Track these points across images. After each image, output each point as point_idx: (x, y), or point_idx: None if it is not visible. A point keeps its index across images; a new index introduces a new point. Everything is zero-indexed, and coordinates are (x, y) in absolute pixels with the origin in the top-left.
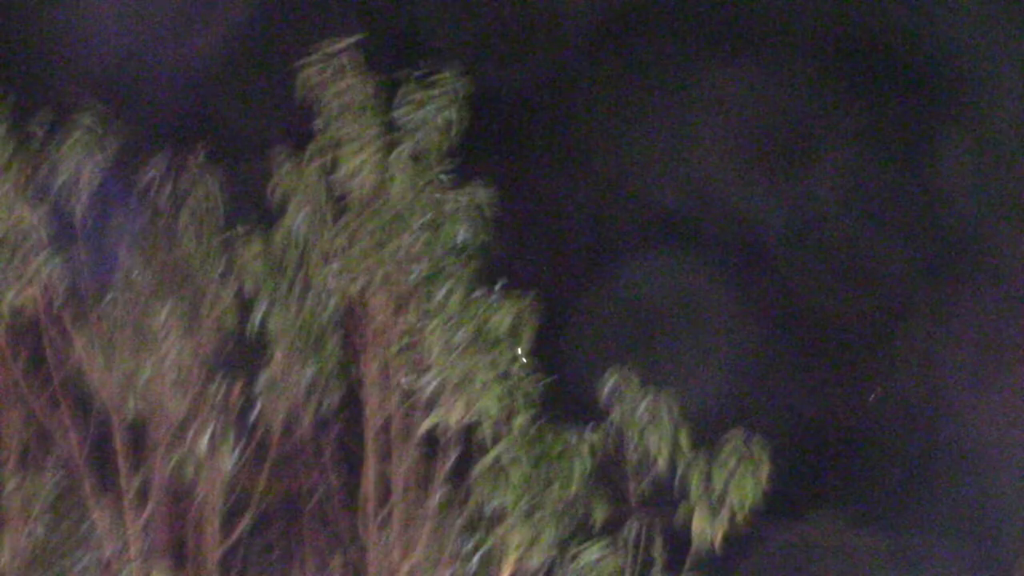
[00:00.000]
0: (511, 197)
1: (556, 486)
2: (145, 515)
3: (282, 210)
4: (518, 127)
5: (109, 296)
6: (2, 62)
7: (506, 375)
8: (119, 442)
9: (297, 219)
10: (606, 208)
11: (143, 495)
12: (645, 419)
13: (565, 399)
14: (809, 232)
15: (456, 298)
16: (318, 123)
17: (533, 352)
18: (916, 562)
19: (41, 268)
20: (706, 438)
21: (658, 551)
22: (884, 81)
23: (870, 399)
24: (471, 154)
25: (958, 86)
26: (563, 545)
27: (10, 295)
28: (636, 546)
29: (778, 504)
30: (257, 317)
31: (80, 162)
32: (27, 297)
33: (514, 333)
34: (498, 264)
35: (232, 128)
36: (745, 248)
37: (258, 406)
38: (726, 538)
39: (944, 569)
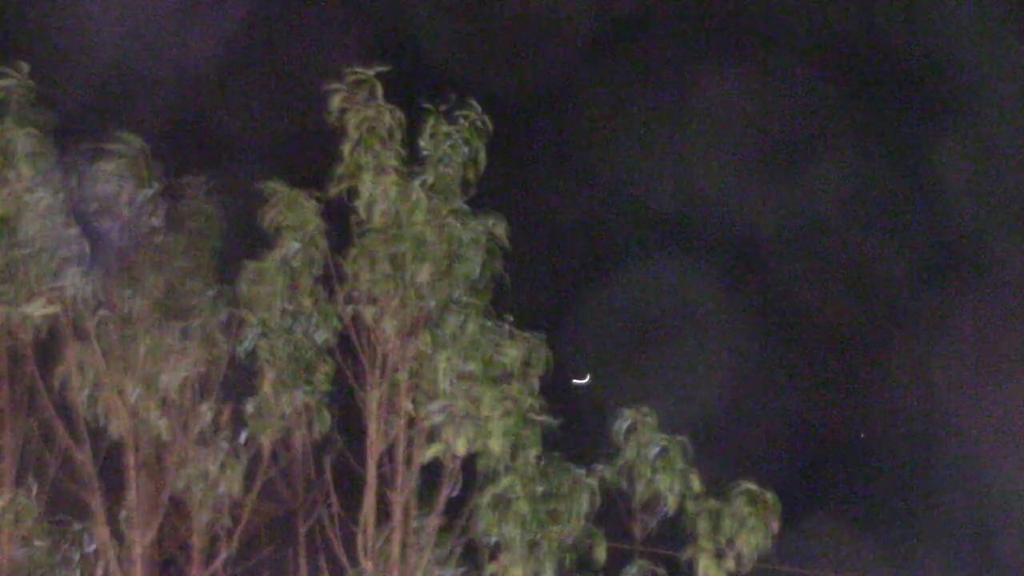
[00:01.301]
0: (527, 231)
1: (561, 522)
2: (139, 536)
3: (277, 236)
4: (535, 160)
5: (106, 314)
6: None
7: (514, 409)
8: (128, 462)
9: (294, 244)
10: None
11: (138, 516)
12: (657, 460)
13: (576, 437)
14: (817, 241)
15: (468, 329)
16: (341, 149)
17: (545, 388)
18: (915, 566)
19: (71, 283)
20: (712, 476)
21: None
22: (884, 83)
23: (861, 436)
24: (489, 187)
25: (958, 87)
26: None
27: (35, 307)
28: None
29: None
30: (249, 341)
31: (119, 184)
32: (51, 311)
33: (524, 367)
34: (511, 298)
35: (242, 153)
36: (755, 262)
37: (250, 429)
38: None
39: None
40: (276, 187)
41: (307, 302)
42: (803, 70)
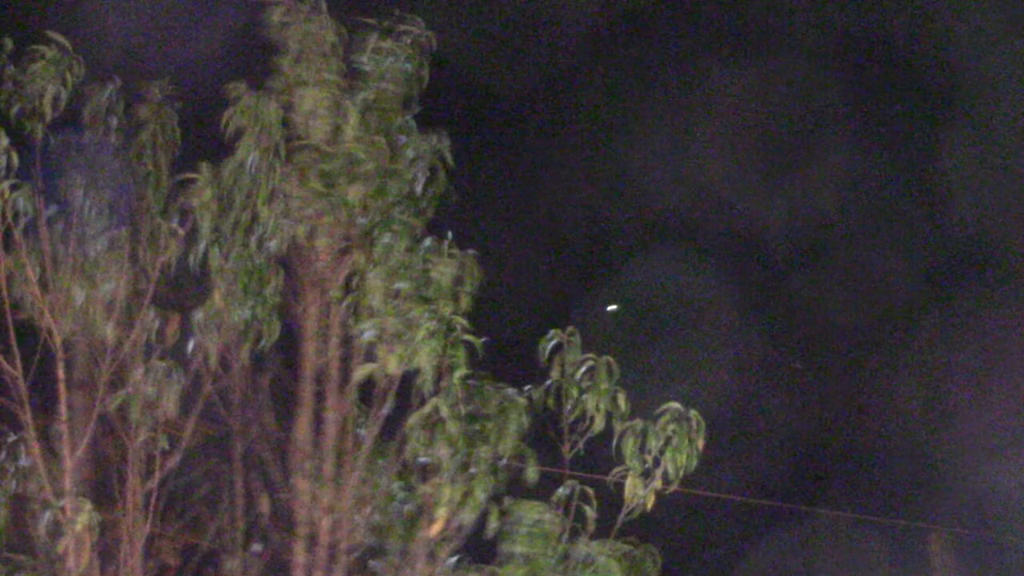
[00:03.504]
0: (470, 151)
1: (491, 442)
2: (77, 450)
3: (234, 145)
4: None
5: (56, 220)
6: None
7: (447, 329)
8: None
9: (248, 156)
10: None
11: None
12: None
13: (507, 357)
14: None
15: (401, 247)
16: (280, 62)
17: (476, 308)
18: (916, 563)
19: (5, 193)
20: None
21: (590, 513)
22: (885, 82)
23: (795, 366)
24: (432, 106)
25: (960, 86)
26: (495, 502)
27: None
28: (568, 506)
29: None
30: (200, 252)
31: (44, 88)
32: None
33: (457, 287)
34: (451, 217)
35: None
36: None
37: (193, 342)
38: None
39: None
40: (239, 90)
41: (263, 211)
42: (806, 64)
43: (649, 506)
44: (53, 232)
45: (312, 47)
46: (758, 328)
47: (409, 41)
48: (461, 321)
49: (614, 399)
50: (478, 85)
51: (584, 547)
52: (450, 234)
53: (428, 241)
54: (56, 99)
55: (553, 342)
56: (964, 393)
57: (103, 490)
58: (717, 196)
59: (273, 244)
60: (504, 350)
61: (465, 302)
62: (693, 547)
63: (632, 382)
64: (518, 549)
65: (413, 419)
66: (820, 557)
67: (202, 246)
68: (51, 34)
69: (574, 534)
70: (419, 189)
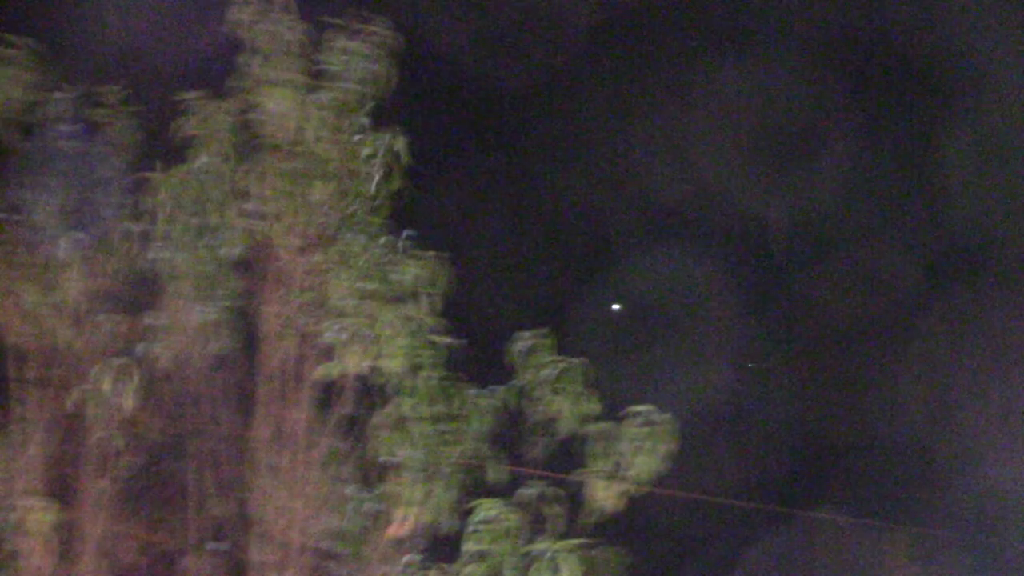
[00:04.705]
0: (433, 151)
1: (454, 445)
2: (33, 449)
3: (190, 148)
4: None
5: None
6: None
7: (413, 329)
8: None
9: (204, 158)
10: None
11: (34, 428)
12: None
13: (475, 359)
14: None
15: (365, 247)
16: (242, 62)
17: (445, 309)
18: (920, 562)
19: None
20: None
21: (553, 514)
22: (885, 80)
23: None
24: (394, 107)
25: (961, 85)
26: (458, 504)
27: None
28: (530, 508)
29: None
30: (156, 253)
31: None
32: None
33: (423, 287)
34: (413, 216)
35: (152, 64)
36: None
37: (151, 344)
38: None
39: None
40: (191, 98)
41: (214, 217)
42: (806, 62)
43: (615, 508)
44: (9, 235)
45: (279, 47)
46: (744, 326)
47: (372, 41)
48: (429, 321)
49: (583, 401)
50: (468, 80)
51: (546, 545)
52: (409, 233)
53: (390, 241)
54: (14, 102)
55: (524, 343)
56: (963, 393)
57: (61, 489)
58: (706, 192)
59: (233, 245)
60: (488, 350)
61: (432, 302)
62: (688, 549)
63: (626, 380)
64: (479, 547)
65: (377, 419)
66: (816, 559)
67: (161, 247)
68: (9, 36)
69: (540, 534)
70: (374, 188)
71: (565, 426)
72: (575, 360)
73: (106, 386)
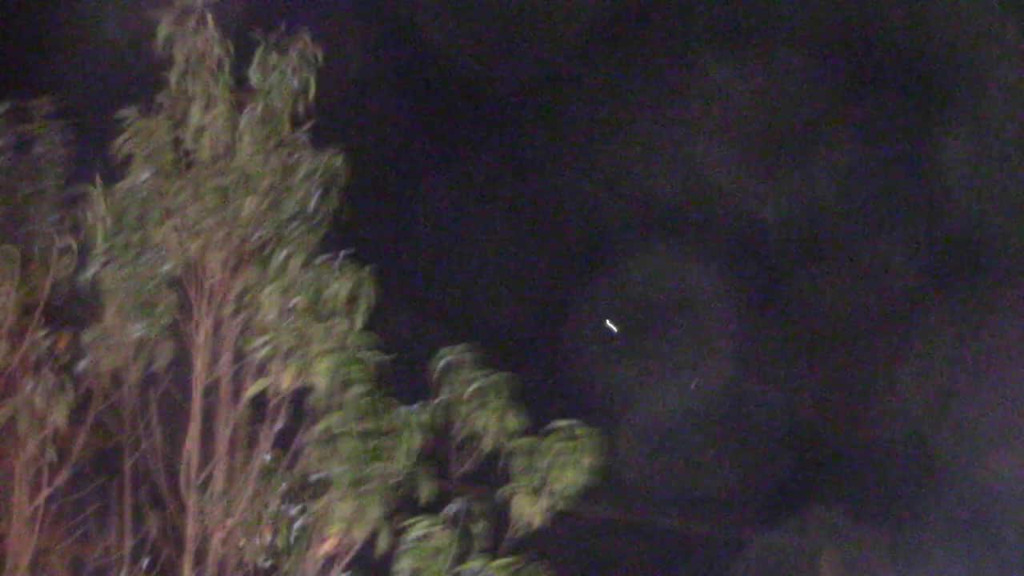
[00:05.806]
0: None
1: (384, 460)
2: None
3: (126, 164)
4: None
5: None
6: None
7: (341, 345)
8: None
9: (140, 175)
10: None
11: None
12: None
13: (404, 375)
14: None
15: (295, 263)
16: (169, 77)
17: (375, 325)
18: (915, 563)
19: None
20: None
21: (480, 530)
22: (885, 79)
23: (692, 386)
24: (326, 121)
25: (960, 84)
26: (388, 520)
27: None
28: (458, 524)
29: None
30: (91, 271)
31: None
32: None
33: (351, 304)
34: (346, 233)
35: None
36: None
37: (85, 360)
38: None
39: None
40: (129, 115)
41: (154, 234)
42: (805, 61)
43: (537, 524)
44: None
45: (199, 62)
46: (741, 328)
47: (296, 55)
48: (358, 338)
49: (508, 416)
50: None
51: (474, 562)
52: (347, 252)
53: (327, 258)
54: None
55: (445, 359)
56: (964, 392)
57: None
58: (700, 191)
59: (166, 262)
60: (407, 364)
61: (360, 318)
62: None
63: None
64: (407, 564)
65: (308, 437)
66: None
67: (94, 263)
68: None
69: (468, 551)
70: (312, 206)
71: (490, 441)
72: (499, 374)
73: (39, 401)
